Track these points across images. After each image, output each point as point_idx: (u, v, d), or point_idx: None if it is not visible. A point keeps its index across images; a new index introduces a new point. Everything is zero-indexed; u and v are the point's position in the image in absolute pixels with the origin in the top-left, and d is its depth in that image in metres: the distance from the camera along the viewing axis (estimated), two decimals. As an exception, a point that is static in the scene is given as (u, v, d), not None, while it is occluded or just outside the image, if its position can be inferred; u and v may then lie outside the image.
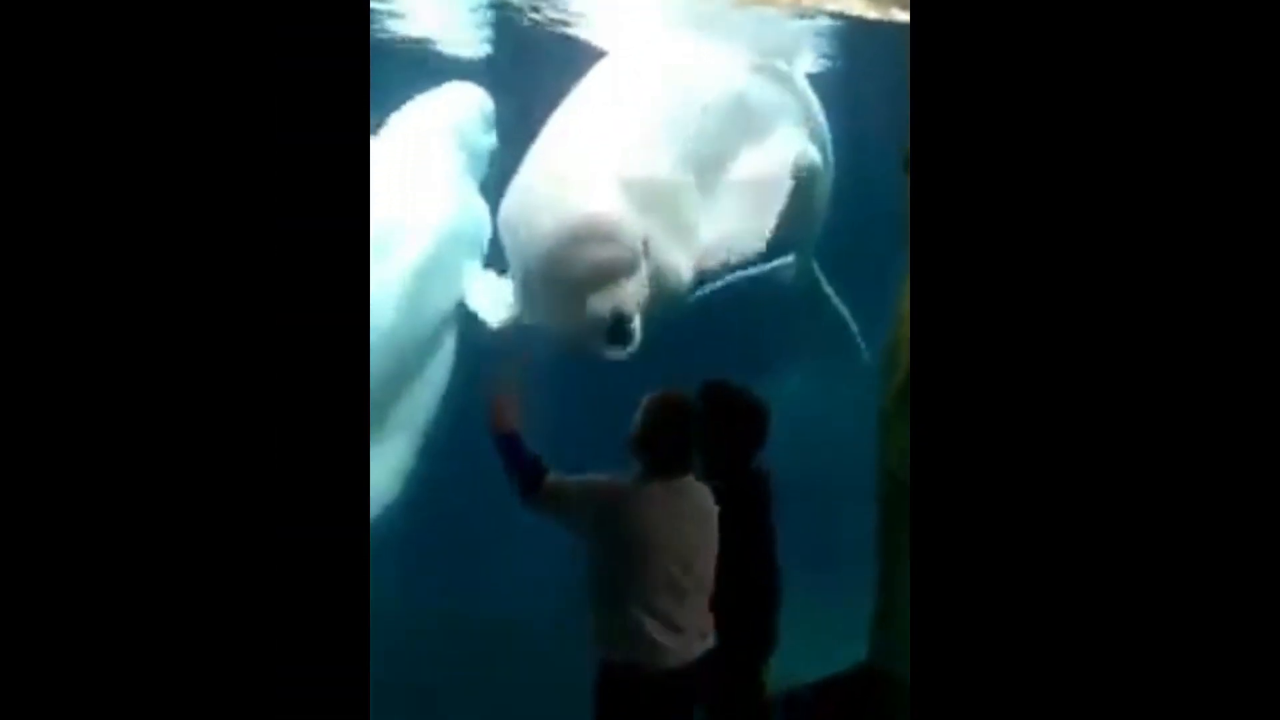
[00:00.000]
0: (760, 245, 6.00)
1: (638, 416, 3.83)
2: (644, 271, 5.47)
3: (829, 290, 7.67)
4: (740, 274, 6.61)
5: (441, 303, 6.37)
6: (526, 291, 5.78)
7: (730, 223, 6.00)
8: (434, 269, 6.25)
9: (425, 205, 6.43)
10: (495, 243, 6.31)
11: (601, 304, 5.33)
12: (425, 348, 6.28)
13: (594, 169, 5.59)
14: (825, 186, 7.27)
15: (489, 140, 7.16)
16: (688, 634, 3.82)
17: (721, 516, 3.93)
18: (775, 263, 7.25)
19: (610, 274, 5.35)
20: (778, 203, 6.07)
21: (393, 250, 6.03)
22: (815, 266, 7.69)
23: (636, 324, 5.44)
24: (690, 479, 3.86)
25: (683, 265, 5.84)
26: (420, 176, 6.50)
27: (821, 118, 7.30)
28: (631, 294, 5.39)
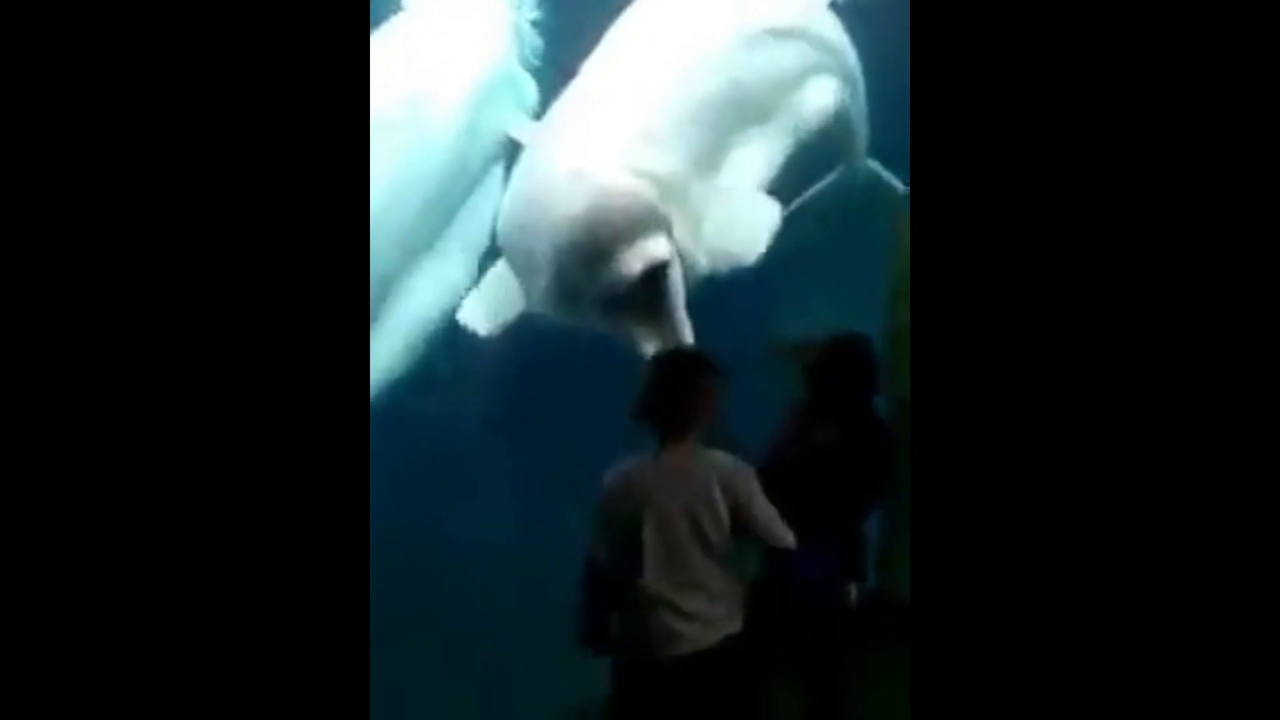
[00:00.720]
0: (756, 252, 5.83)
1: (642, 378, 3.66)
2: (670, 234, 5.40)
3: (895, 181, 7.39)
4: (794, 204, 6.57)
5: (492, 135, 6.84)
6: (550, 282, 5.56)
7: (729, 230, 5.87)
8: (485, 103, 6.75)
9: (477, 46, 6.91)
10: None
11: (633, 260, 5.24)
12: (476, 175, 6.76)
13: (602, 159, 5.52)
14: (860, 112, 7.15)
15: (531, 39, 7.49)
16: (706, 618, 3.54)
17: (829, 466, 3.85)
18: (821, 183, 7.15)
19: (638, 229, 5.28)
20: (771, 216, 5.96)
21: (448, 85, 6.55)
22: (870, 163, 7.46)
23: (677, 275, 5.35)
24: (698, 449, 3.57)
25: (696, 251, 5.72)
26: (471, 25, 6.98)
27: (849, 55, 7.10)
28: (664, 247, 5.33)
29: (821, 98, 6.64)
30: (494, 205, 6.48)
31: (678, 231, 5.54)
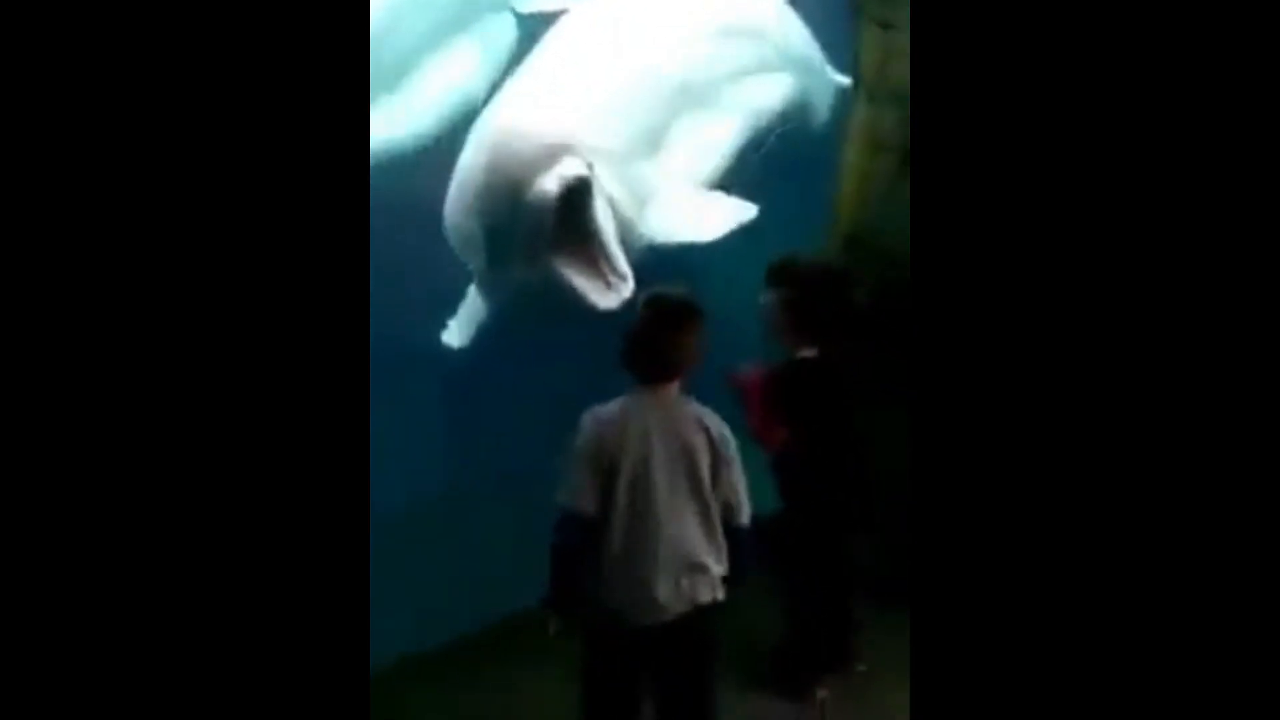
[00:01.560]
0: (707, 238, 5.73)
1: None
2: (589, 165, 5.17)
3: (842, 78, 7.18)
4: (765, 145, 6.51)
5: None
6: (480, 239, 5.40)
7: (677, 217, 5.79)
8: None
9: None
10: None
11: (548, 183, 4.99)
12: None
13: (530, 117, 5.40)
14: (821, 110, 7.07)
15: None
16: (703, 577, 3.33)
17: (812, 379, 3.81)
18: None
19: (548, 155, 5.07)
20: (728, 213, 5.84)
21: None
22: (839, 79, 7.09)
23: (603, 202, 5.17)
24: (680, 395, 3.37)
25: (638, 224, 5.60)
26: None
27: (812, 54, 6.95)
28: (579, 166, 5.08)
29: (775, 95, 6.54)
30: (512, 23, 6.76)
31: (623, 206, 5.43)
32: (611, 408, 3.33)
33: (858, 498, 3.95)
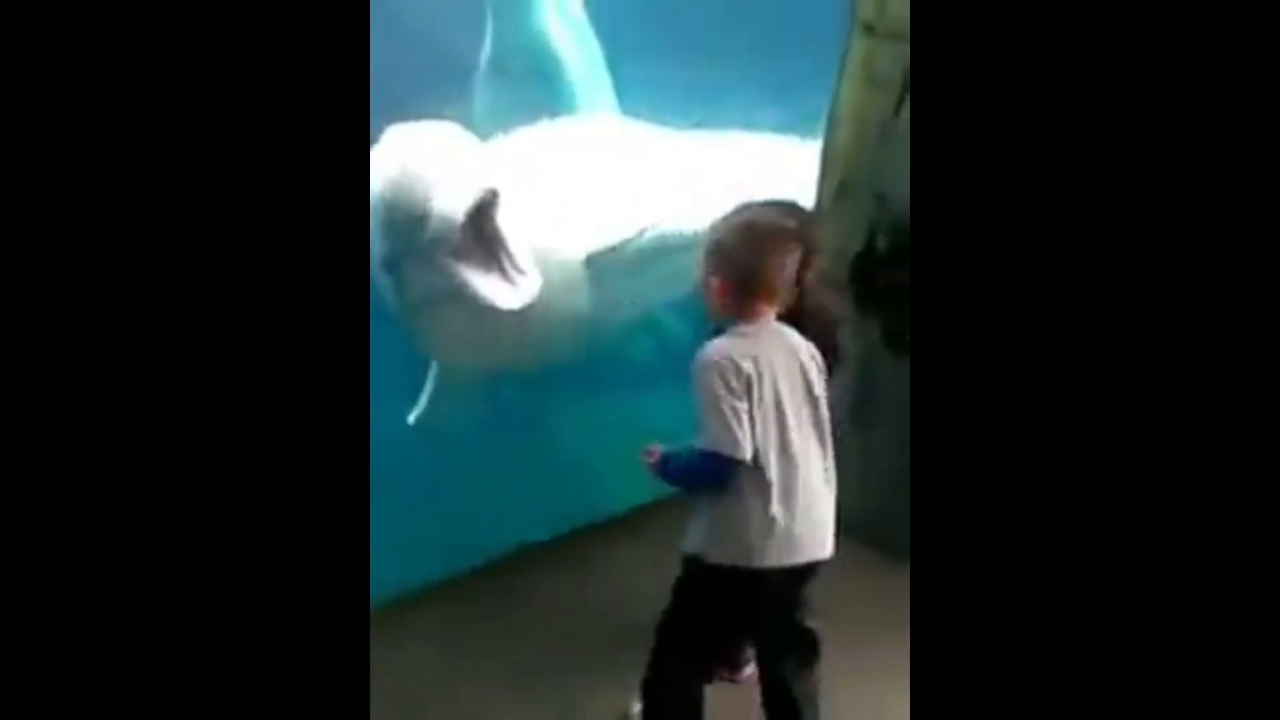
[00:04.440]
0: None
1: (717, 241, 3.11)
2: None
3: None
4: None
5: None
6: (383, 255, 4.76)
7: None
8: None
9: None
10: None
11: (455, 201, 4.49)
12: None
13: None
14: None
15: None
16: (829, 522, 3.11)
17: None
18: None
19: (444, 171, 4.56)
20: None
21: None
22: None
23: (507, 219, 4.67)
24: (776, 324, 3.12)
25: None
26: None
27: None
28: (479, 180, 4.57)
29: None
30: None
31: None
32: (724, 344, 3.05)
33: None
